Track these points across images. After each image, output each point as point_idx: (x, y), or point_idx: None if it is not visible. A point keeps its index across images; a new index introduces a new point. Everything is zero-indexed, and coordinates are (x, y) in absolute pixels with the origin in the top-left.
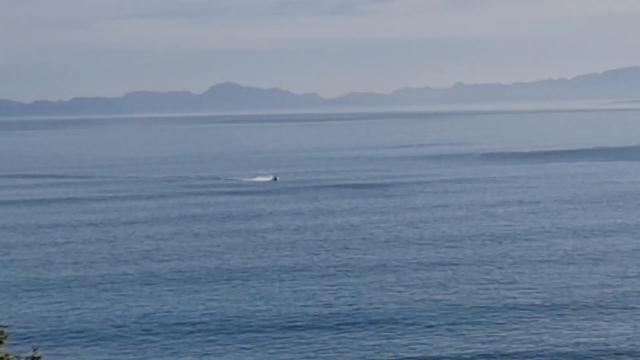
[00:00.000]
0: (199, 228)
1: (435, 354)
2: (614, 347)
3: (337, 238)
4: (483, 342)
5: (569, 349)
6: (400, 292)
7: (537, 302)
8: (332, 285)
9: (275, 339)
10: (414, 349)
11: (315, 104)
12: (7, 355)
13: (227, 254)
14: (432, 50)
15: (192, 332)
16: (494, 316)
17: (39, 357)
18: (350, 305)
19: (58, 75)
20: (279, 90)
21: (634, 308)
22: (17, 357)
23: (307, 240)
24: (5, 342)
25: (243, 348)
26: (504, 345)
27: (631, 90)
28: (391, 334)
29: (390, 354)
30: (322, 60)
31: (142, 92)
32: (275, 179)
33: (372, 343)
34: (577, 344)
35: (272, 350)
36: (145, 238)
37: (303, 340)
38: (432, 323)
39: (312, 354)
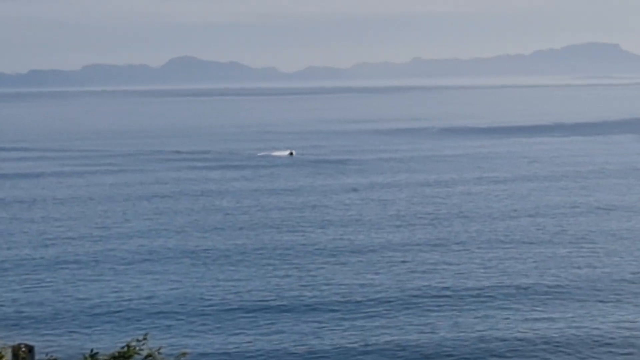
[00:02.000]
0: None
1: (386, 338)
2: (554, 334)
3: (292, 217)
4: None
5: (501, 335)
6: (358, 273)
7: (489, 284)
8: (279, 269)
9: (244, 319)
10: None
11: (273, 78)
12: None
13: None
14: (391, 25)
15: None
16: (446, 300)
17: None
18: (283, 289)
19: (15, 48)
20: (237, 64)
21: (591, 291)
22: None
23: (258, 220)
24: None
25: (238, 329)
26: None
27: (589, 67)
28: (319, 318)
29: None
30: (281, 34)
31: (99, 65)
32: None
33: (312, 327)
34: (521, 330)
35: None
36: (123, 214)
37: (264, 322)
38: (386, 307)
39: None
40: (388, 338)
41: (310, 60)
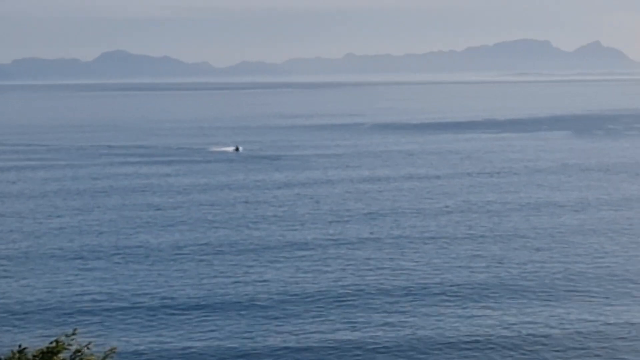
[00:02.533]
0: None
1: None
2: (492, 333)
3: (226, 212)
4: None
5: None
6: (290, 270)
7: (420, 281)
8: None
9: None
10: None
11: (206, 73)
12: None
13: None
14: (324, 20)
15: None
16: (354, 300)
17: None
18: (214, 286)
19: None
20: (170, 59)
21: (504, 292)
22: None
23: (191, 216)
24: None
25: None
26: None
27: (520, 63)
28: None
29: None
30: (214, 28)
31: (30, 58)
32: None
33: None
34: (450, 329)
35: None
36: (54, 209)
37: (204, 320)
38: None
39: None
40: (320, 336)
41: (243, 55)
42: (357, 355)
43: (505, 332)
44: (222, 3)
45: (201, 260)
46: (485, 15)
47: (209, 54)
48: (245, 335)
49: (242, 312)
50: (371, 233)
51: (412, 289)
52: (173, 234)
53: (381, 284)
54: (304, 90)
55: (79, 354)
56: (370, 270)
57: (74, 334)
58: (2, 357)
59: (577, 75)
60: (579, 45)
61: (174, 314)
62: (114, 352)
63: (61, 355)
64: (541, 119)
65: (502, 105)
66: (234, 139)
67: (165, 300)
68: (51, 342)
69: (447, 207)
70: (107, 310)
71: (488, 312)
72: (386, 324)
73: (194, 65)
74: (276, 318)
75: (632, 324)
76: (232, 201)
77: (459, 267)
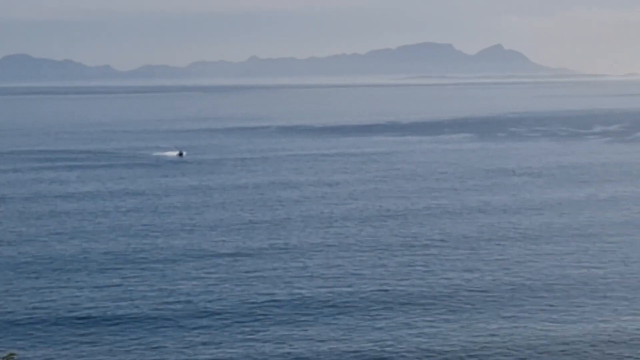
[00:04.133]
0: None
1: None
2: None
3: (135, 220)
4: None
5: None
6: (196, 281)
7: (326, 291)
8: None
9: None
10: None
11: (108, 76)
12: None
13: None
14: (227, 23)
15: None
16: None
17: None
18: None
19: None
20: (72, 62)
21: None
22: None
23: (97, 223)
24: None
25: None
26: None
27: (423, 66)
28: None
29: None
30: (115, 31)
31: None
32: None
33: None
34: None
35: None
36: None
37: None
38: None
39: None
40: (238, 349)
41: (146, 59)
42: None
43: (397, 344)
44: (122, 6)
45: (101, 270)
46: (388, 18)
47: (111, 57)
48: (147, 347)
49: (134, 325)
50: (274, 240)
51: (304, 299)
52: (84, 242)
53: (286, 294)
54: (208, 93)
55: None
56: (272, 279)
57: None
58: None
59: (480, 78)
60: (481, 48)
61: (76, 328)
62: (14, 357)
63: None
64: (444, 122)
65: (405, 109)
66: (134, 144)
67: (73, 312)
68: None
69: (348, 211)
70: (7, 320)
71: (378, 323)
72: (282, 336)
73: (96, 69)
74: (184, 329)
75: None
76: (139, 208)
77: (365, 275)
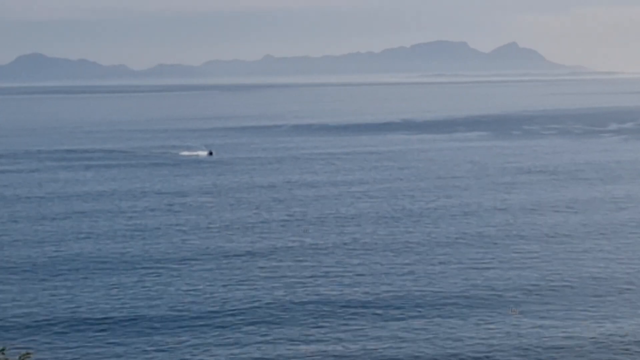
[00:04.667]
0: None
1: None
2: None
3: (152, 221)
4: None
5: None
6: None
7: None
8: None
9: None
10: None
11: (124, 76)
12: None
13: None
14: (241, 21)
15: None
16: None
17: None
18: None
19: None
20: (87, 62)
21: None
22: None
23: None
24: None
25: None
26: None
27: (438, 65)
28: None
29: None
30: (131, 31)
31: None
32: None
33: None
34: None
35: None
36: None
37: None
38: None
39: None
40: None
41: (161, 58)
42: None
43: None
44: (138, 6)
45: (86, 276)
46: (402, 16)
47: (126, 56)
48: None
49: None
50: (288, 241)
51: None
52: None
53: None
54: (223, 92)
55: None
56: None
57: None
58: None
59: (494, 76)
60: (495, 46)
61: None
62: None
63: None
64: (458, 120)
65: (419, 107)
66: (149, 144)
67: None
68: None
69: (368, 211)
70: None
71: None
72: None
73: (112, 68)
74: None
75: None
76: (155, 206)
77: (376, 275)
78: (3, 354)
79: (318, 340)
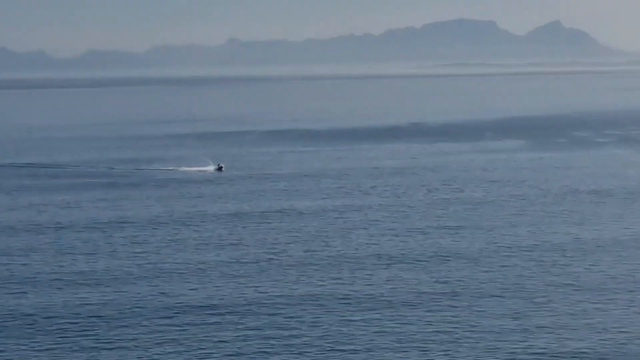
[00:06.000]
0: None
1: None
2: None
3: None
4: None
5: None
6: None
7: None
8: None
9: None
10: None
11: (43, 65)
12: None
13: None
14: None
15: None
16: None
17: None
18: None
19: None
20: None
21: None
22: None
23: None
24: None
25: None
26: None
27: (457, 50)
28: None
29: None
30: (53, 11)
31: None
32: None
33: None
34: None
35: None
36: None
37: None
38: None
39: None
40: None
41: (92, 43)
42: None
43: None
44: None
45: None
46: None
47: (46, 41)
48: None
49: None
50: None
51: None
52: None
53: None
54: (174, 86)
55: None
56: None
57: None
58: None
59: (531, 66)
60: (533, 26)
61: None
62: None
63: None
64: (486, 125)
65: (434, 107)
66: (78, 157)
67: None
68: None
69: (367, 250)
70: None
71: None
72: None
73: (28, 55)
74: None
75: None
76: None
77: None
78: None
79: None
